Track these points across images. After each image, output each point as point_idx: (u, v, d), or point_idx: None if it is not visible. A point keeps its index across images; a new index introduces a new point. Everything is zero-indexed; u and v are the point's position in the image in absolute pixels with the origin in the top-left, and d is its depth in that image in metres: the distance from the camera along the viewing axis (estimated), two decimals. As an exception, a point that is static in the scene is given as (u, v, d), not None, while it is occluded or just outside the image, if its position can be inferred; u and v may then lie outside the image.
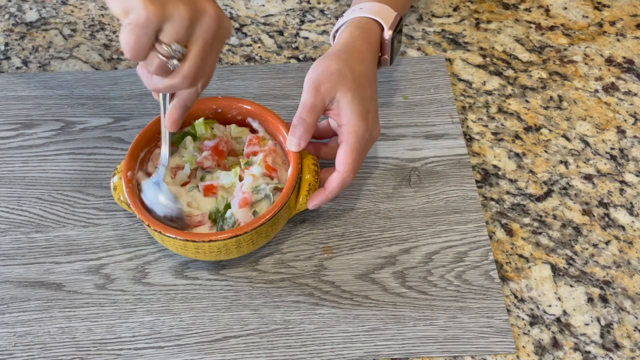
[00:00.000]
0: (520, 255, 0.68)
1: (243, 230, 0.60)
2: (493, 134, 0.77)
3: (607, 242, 0.69)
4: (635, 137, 0.77)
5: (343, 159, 0.64)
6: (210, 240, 0.60)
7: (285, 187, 0.63)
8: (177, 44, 0.53)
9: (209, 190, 0.65)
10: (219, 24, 0.54)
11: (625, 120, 0.78)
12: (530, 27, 0.87)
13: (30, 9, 0.88)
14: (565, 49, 0.85)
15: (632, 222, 0.70)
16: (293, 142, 0.64)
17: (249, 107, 0.68)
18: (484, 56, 0.84)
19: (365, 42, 0.68)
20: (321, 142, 0.70)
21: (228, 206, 0.64)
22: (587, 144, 0.76)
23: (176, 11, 0.51)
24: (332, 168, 0.65)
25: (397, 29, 0.71)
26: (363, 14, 0.69)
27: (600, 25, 0.87)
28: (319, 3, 0.90)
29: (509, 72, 0.82)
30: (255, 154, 0.66)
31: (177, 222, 0.64)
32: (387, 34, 0.70)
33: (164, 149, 0.63)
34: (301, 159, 0.65)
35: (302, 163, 0.65)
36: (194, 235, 0.61)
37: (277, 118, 0.67)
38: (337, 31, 0.72)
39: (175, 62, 0.54)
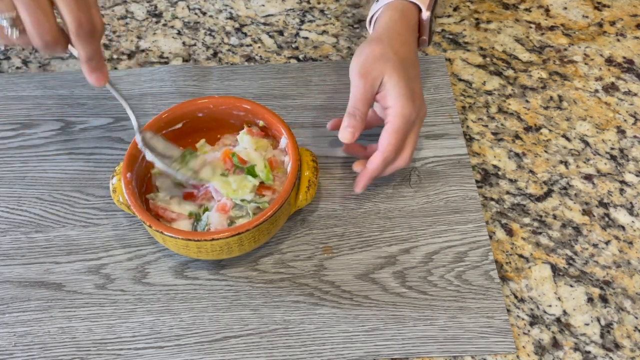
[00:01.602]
0: (520, 255, 0.68)
1: (245, 228, 0.60)
2: (493, 134, 0.77)
3: (607, 242, 0.69)
4: (635, 137, 0.77)
5: (386, 139, 0.64)
6: (213, 239, 0.60)
7: (285, 184, 0.63)
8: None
9: (189, 197, 0.67)
10: None
11: (625, 120, 0.78)
12: (530, 27, 0.87)
13: (30, 9, 0.88)
14: (565, 49, 0.85)
15: (632, 222, 0.70)
16: (348, 132, 0.64)
17: (248, 107, 0.68)
18: (484, 56, 0.84)
19: (405, 24, 0.68)
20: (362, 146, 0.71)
21: (207, 209, 0.65)
22: (587, 144, 0.76)
23: None
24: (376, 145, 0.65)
25: (433, 9, 0.71)
26: None
27: (600, 25, 0.87)
28: (319, 3, 0.90)
29: (509, 72, 0.82)
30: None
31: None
32: (425, 14, 0.69)
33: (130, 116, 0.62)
34: (300, 156, 0.65)
35: (301, 160, 0.65)
36: (195, 235, 0.61)
37: (277, 117, 0.67)
38: (372, 16, 0.72)
39: (10, 30, 0.51)
